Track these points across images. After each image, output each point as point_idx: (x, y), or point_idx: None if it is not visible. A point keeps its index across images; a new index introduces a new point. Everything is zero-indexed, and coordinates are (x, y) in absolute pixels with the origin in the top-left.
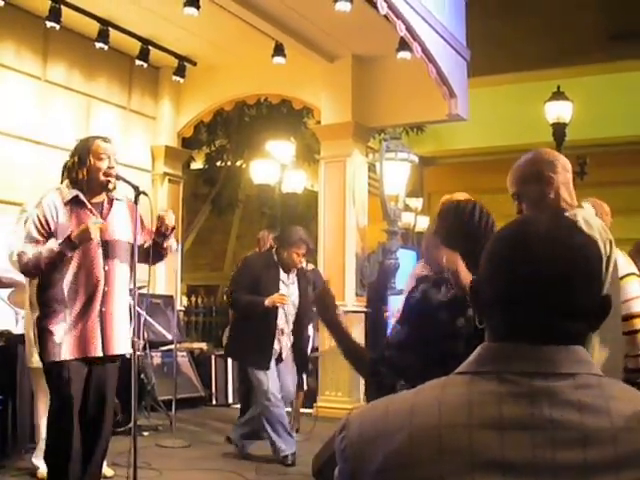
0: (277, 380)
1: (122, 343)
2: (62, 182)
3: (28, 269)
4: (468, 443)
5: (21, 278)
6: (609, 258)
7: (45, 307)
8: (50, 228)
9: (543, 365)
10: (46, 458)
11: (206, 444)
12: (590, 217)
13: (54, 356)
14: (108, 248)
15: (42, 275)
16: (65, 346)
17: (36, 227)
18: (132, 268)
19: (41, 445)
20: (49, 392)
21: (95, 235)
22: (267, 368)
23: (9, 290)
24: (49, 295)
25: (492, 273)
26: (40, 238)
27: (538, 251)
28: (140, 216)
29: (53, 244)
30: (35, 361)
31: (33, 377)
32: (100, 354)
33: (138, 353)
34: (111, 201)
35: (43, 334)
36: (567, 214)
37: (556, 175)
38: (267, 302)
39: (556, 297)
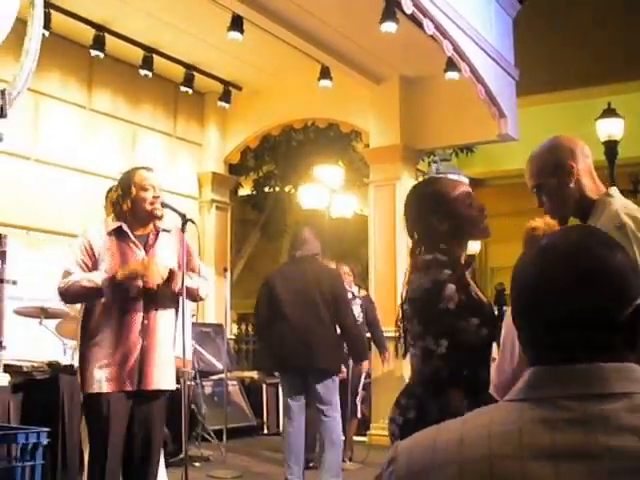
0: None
1: (165, 378)
2: (105, 210)
3: (65, 291)
4: (520, 474)
5: (70, 309)
6: None
7: (85, 337)
8: (95, 257)
9: (595, 385)
10: None
11: (258, 474)
12: (631, 206)
13: (91, 387)
14: (149, 282)
15: (83, 304)
16: (104, 378)
17: (82, 252)
18: (179, 297)
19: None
20: (87, 427)
21: (142, 272)
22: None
23: (57, 321)
24: (89, 325)
25: (518, 297)
26: (87, 262)
27: (556, 267)
28: (187, 245)
29: (96, 276)
30: None
31: None
32: (140, 388)
33: (188, 383)
34: (157, 233)
35: (82, 364)
36: (601, 202)
37: (576, 162)
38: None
39: (589, 310)
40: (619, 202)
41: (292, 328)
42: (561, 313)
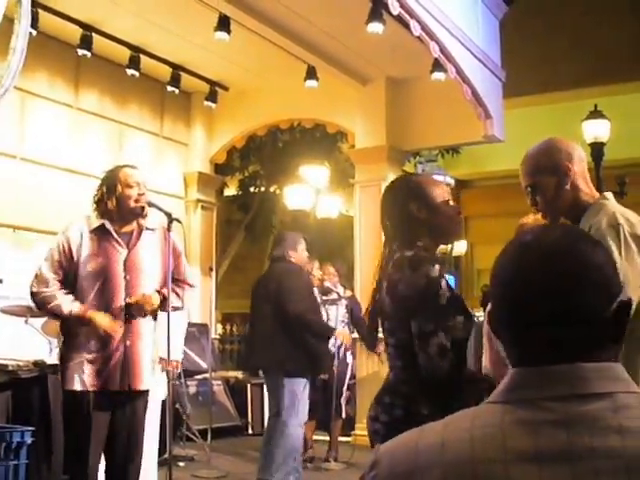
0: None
1: (147, 378)
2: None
3: (35, 299)
4: (504, 477)
5: None
6: None
7: (67, 336)
8: (72, 256)
9: (576, 385)
10: None
11: (242, 474)
12: (623, 211)
13: (73, 385)
14: (131, 281)
15: None
16: (85, 376)
17: (59, 253)
18: (167, 296)
19: None
20: (65, 424)
21: (106, 329)
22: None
23: (43, 319)
24: (71, 324)
25: (498, 297)
26: (63, 263)
27: (535, 265)
28: (177, 251)
29: (65, 306)
30: None
31: None
32: (123, 388)
33: (173, 382)
34: (140, 231)
35: (64, 362)
36: (607, 217)
37: (573, 165)
38: (338, 337)
39: (563, 308)
40: (615, 206)
41: (248, 328)
42: (545, 312)
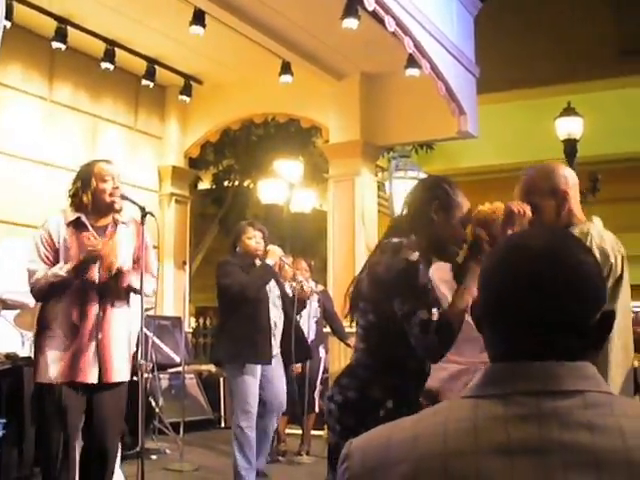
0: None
1: (121, 370)
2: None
3: (36, 288)
4: (475, 470)
5: (29, 300)
6: (621, 274)
7: (41, 327)
8: (55, 247)
9: (548, 382)
10: None
11: (214, 468)
12: (603, 231)
13: (44, 378)
14: (105, 275)
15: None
16: (57, 368)
17: (43, 246)
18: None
19: None
20: (38, 417)
21: (100, 248)
22: (268, 362)
23: (15, 312)
24: (45, 315)
25: (485, 291)
26: (49, 255)
27: (528, 266)
28: (145, 241)
29: (60, 269)
30: None
31: None
32: (95, 381)
33: (146, 375)
34: (115, 225)
35: (37, 354)
36: (580, 228)
37: (569, 189)
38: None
39: (550, 311)
40: (597, 227)
41: None
42: (536, 315)
